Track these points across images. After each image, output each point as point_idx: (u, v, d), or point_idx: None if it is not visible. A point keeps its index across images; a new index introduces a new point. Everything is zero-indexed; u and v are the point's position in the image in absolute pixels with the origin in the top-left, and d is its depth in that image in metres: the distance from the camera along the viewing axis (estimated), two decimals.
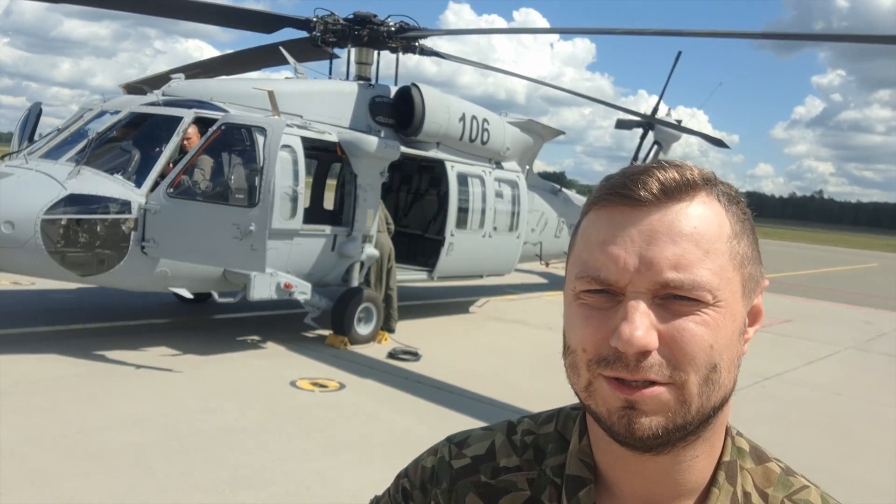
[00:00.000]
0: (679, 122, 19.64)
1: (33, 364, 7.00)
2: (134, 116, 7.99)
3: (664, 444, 0.84)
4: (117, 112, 8.00)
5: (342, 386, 7.38)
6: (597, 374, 0.84)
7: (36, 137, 8.82)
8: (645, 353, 0.80)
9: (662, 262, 0.81)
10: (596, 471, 0.95)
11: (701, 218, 0.84)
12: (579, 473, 0.96)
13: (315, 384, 7.35)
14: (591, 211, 0.90)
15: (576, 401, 0.94)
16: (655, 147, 19.24)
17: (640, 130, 19.42)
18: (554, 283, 18.24)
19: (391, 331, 9.86)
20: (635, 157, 19.21)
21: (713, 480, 0.91)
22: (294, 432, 5.97)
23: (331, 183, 13.17)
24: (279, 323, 9.91)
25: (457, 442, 1.07)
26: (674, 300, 0.82)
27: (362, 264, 9.66)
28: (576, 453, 0.97)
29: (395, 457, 5.67)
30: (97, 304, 10.07)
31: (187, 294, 7.87)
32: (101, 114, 8.16)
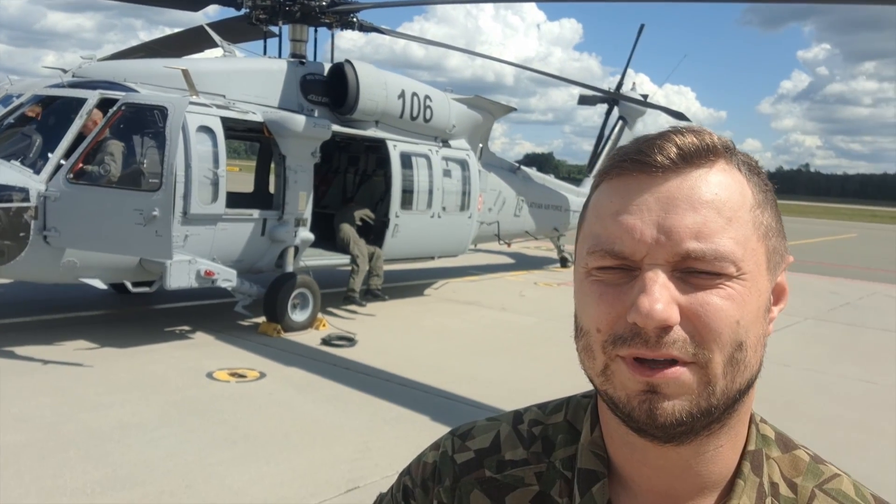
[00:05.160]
0: (645, 97, 19.25)
1: None
2: (37, 99, 7.60)
3: (687, 431, 0.77)
4: (21, 95, 7.61)
5: (262, 375, 7.06)
6: (614, 357, 0.77)
7: None
8: (666, 329, 0.74)
9: (682, 230, 0.75)
10: (609, 464, 0.89)
11: (722, 185, 0.78)
12: (592, 467, 0.89)
13: (233, 374, 7.03)
14: (603, 182, 0.83)
15: (586, 389, 0.86)
16: (621, 122, 18.89)
17: (605, 107, 19.13)
18: (521, 263, 17.94)
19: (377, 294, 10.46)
20: (601, 134, 18.93)
21: (738, 472, 0.84)
22: (194, 426, 5.65)
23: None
24: (215, 312, 9.56)
25: (460, 434, 1.01)
26: (694, 274, 0.75)
27: (297, 249, 9.31)
28: (588, 445, 0.90)
29: (295, 449, 5.40)
30: (28, 297, 9.68)
31: (101, 285, 7.51)
32: (6, 98, 7.76)
